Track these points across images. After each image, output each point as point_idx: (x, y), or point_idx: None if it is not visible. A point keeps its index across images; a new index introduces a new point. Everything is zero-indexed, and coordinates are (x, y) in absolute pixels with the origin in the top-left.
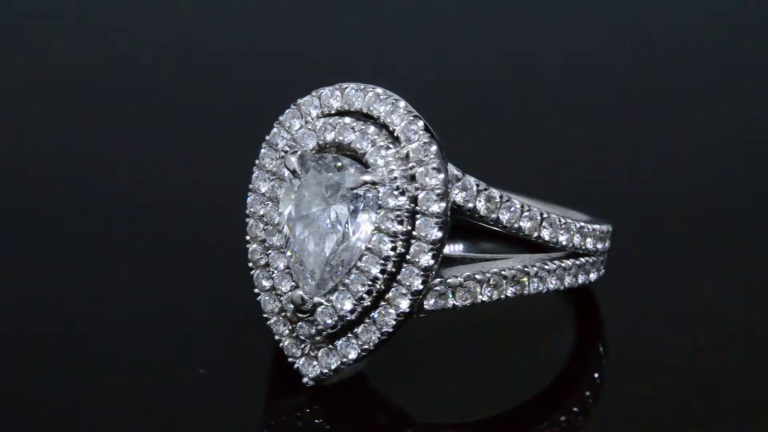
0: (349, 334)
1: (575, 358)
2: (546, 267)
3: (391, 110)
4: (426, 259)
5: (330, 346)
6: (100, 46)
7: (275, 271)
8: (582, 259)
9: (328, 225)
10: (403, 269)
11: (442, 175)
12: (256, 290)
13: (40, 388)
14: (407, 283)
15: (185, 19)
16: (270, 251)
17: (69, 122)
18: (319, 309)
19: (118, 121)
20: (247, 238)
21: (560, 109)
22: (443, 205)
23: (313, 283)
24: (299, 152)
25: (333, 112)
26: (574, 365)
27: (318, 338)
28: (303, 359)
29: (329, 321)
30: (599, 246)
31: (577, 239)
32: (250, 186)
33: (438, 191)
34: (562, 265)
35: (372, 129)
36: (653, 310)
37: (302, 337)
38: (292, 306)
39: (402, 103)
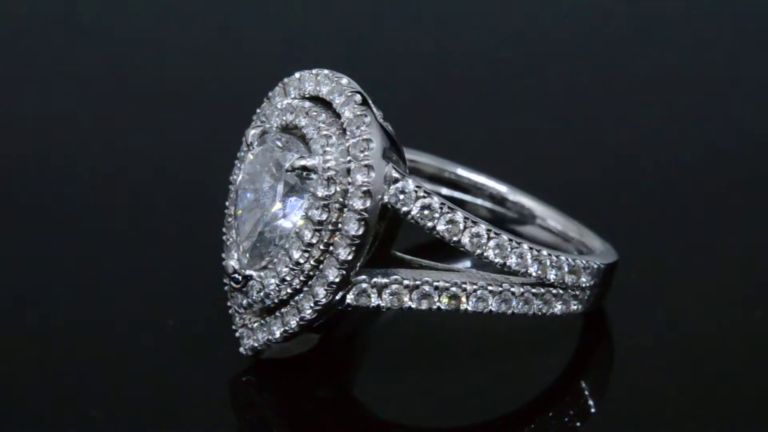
0: (278, 313)
1: (558, 386)
2: (490, 288)
3: (345, 102)
4: (344, 253)
5: (263, 321)
6: (97, 45)
7: (230, 239)
8: (542, 289)
9: (269, 202)
10: (326, 259)
11: (372, 174)
12: (223, 255)
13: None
14: (325, 273)
15: (182, 17)
16: (230, 219)
17: (68, 121)
18: (251, 282)
19: (116, 120)
20: (227, 203)
21: (559, 108)
22: (368, 203)
23: (247, 255)
24: (262, 128)
25: (307, 95)
26: (554, 393)
27: (253, 309)
28: (243, 329)
29: (255, 295)
30: (568, 279)
31: (533, 268)
32: (238, 155)
33: (364, 189)
34: (512, 290)
35: (323, 117)
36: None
37: (235, 307)
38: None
39: (357, 97)
